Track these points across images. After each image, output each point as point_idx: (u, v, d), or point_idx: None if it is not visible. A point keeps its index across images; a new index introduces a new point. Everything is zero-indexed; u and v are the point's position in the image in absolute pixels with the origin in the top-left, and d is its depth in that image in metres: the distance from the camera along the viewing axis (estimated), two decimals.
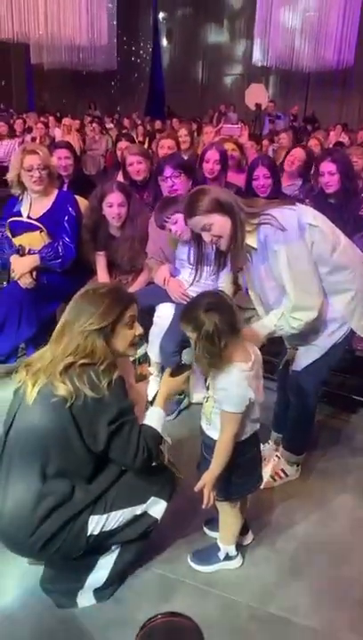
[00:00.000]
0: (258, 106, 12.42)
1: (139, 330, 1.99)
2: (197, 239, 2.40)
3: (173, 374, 2.11)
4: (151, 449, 1.89)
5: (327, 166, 3.44)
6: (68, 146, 4.49)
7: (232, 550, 2.21)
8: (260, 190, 3.81)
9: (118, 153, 5.07)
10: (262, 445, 2.72)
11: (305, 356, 2.50)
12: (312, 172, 4.49)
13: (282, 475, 2.71)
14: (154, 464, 1.96)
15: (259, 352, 2.04)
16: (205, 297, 1.97)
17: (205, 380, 2.11)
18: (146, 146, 7.87)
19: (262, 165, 3.82)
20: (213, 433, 2.03)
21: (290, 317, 2.30)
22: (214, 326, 1.84)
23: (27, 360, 1.97)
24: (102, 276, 3.59)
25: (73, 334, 1.84)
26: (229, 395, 1.91)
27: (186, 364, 2.05)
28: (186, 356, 2.99)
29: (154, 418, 1.98)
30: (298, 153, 4.62)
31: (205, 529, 2.37)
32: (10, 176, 3.47)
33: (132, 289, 3.41)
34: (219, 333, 1.85)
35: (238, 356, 1.92)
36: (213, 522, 2.29)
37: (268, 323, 2.37)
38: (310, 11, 12.82)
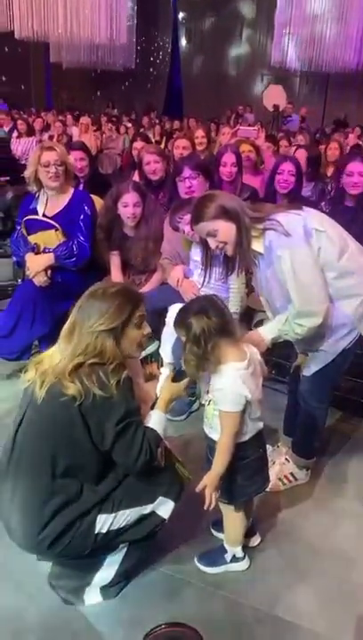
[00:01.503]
0: (276, 107, 12.33)
1: (147, 329, 2.00)
2: (204, 243, 2.40)
3: (174, 380, 2.12)
4: (153, 451, 1.89)
5: (358, 166, 3.34)
6: (83, 147, 4.49)
7: (239, 552, 2.21)
8: (281, 185, 3.77)
9: (134, 152, 5.08)
10: (271, 448, 2.73)
11: (315, 362, 2.49)
12: (332, 173, 4.46)
13: (291, 478, 2.71)
14: (154, 465, 1.95)
15: (255, 350, 2.06)
16: (196, 301, 2.03)
17: None
18: (163, 145, 7.89)
19: (289, 161, 3.83)
20: (215, 435, 2.03)
21: (294, 323, 2.29)
22: (202, 329, 1.88)
23: (36, 358, 1.97)
24: (116, 275, 3.60)
25: (82, 334, 1.84)
26: (224, 394, 1.92)
27: None
28: None
29: (156, 421, 1.98)
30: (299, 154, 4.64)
31: (213, 530, 2.37)
32: (27, 173, 3.48)
33: (145, 289, 3.42)
34: (206, 336, 1.88)
35: (232, 356, 1.93)
36: (220, 523, 2.29)
37: (273, 327, 2.38)
38: (330, 12, 12.74)
